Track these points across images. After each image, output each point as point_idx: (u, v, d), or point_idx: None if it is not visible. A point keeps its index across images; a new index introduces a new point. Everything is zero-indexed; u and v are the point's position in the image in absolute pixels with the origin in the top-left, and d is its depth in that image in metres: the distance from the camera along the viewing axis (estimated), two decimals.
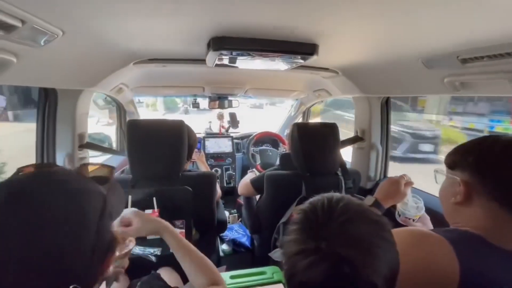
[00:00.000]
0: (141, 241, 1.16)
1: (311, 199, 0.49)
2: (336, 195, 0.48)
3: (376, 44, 0.94)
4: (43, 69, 0.81)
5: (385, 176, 1.67)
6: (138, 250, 1.14)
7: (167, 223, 0.74)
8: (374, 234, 0.42)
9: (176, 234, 0.73)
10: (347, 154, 1.84)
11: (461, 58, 0.83)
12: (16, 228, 0.33)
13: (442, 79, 0.97)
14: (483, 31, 0.69)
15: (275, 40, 0.84)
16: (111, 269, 0.63)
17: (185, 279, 0.99)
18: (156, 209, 1.17)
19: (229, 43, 0.82)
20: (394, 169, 1.63)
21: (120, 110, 2.09)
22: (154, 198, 1.17)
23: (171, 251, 0.75)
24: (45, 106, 1.10)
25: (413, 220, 0.92)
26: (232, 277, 1.12)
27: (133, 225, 0.70)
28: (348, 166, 1.79)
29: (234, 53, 0.86)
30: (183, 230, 1.18)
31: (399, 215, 0.94)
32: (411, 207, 0.91)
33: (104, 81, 1.20)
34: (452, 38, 0.78)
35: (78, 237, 0.35)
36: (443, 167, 0.65)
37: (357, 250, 0.39)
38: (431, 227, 0.93)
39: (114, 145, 2.23)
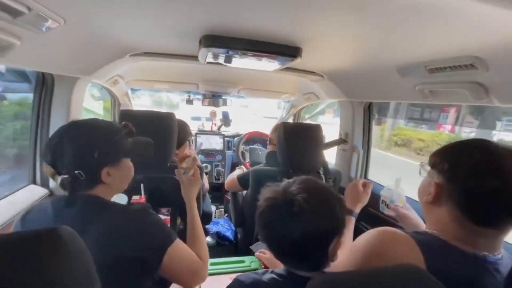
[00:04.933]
0: None
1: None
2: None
3: (356, 51, 1.03)
4: (43, 54, 0.86)
5: (365, 177, 1.75)
6: None
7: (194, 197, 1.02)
8: (325, 197, 0.60)
9: (193, 210, 0.98)
10: (332, 155, 1.93)
11: (428, 68, 0.92)
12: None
13: (414, 86, 1.06)
14: (446, 45, 0.78)
15: (261, 41, 0.92)
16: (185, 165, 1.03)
17: None
18: (143, 195, 1.22)
19: (218, 41, 0.89)
20: None
21: (115, 101, 2.14)
22: (142, 185, 1.22)
23: None
24: (42, 91, 1.15)
25: (400, 206, 0.95)
26: (212, 264, 1.19)
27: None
28: (332, 166, 1.88)
29: (222, 50, 0.93)
30: (168, 217, 1.23)
31: (387, 206, 0.97)
32: (393, 197, 0.95)
33: (100, 71, 1.25)
34: (421, 50, 0.87)
35: (87, 149, 0.65)
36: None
37: (307, 198, 0.56)
38: (415, 212, 0.96)
39: None
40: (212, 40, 0.89)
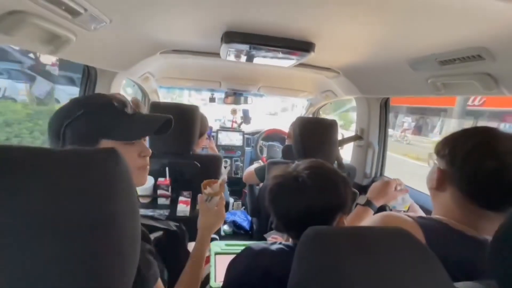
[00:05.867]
0: (153, 205, 1.35)
1: None
2: None
3: (368, 46, 1.07)
4: (91, 50, 1.02)
5: (381, 174, 1.76)
6: (149, 212, 1.33)
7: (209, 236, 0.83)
8: (329, 175, 0.65)
9: (205, 248, 0.80)
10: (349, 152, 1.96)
11: (438, 60, 0.95)
12: None
13: (427, 80, 1.08)
14: (453, 36, 0.81)
15: (276, 37, 1.00)
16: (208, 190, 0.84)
17: None
18: (168, 178, 1.36)
19: (238, 37, 0.99)
20: None
21: (145, 97, 2.33)
22: (167, 168, 1.36)
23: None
24: (87, 83, 1.33)
25: (404, 211, 1.00)
26: (227, 245, 1.29)
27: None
28: (349, 162, 1.90)
29: (241, 46, 1.03)
30: (189, 199, 1.35)
31: (391, 210, 1.01)
32: (397, 202, 0.99)
33: (134, 67, 1.42)
34: (430, 42, 0.90)
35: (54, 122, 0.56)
36: None
37: (312, 178, 0.63)
38: (422, 213, 0.99)
39: None
40: (233, 36, 1.00)
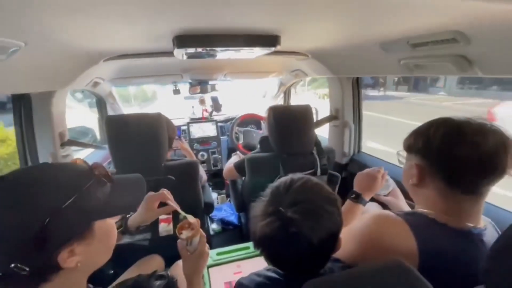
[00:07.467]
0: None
1: (281, 178, 0.61)
2: (299, 174, 0.61)
3: (338, 30, 0.98)
4: (12, 78, 0.83)
5: (359, 151, 1.78)
6: (127, 238, 1.23)
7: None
8: (320, 206, 0.55)
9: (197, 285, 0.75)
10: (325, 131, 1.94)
11: (411, 43, 0.90)
12: None
13: (399, 61, 1.04)
14: (427, 20, 0.75)
15: (236, 35, 0.88)
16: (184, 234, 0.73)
17: (168, 264, 1.10)
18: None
19: (191, 40, 0.85)
20: None
21: (100, 102, 2.09)
22: None
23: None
24: (20, 110, 1.12)
25: (384, 195, 1.00)
26: (218, 253, 1.24)
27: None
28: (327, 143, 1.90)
29: (197, 49, 0.89)
30: (170, 216, 1.27)
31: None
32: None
33: (76, 80, 1.21)
34: (403, 26, 0.83)
35: (21, 223, 0.39)
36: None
37: (303, 216, 0.52)
38: (402, 197, 1.01)
39: (98, 136, 2.25)
40: (185, 40, 0.85)
